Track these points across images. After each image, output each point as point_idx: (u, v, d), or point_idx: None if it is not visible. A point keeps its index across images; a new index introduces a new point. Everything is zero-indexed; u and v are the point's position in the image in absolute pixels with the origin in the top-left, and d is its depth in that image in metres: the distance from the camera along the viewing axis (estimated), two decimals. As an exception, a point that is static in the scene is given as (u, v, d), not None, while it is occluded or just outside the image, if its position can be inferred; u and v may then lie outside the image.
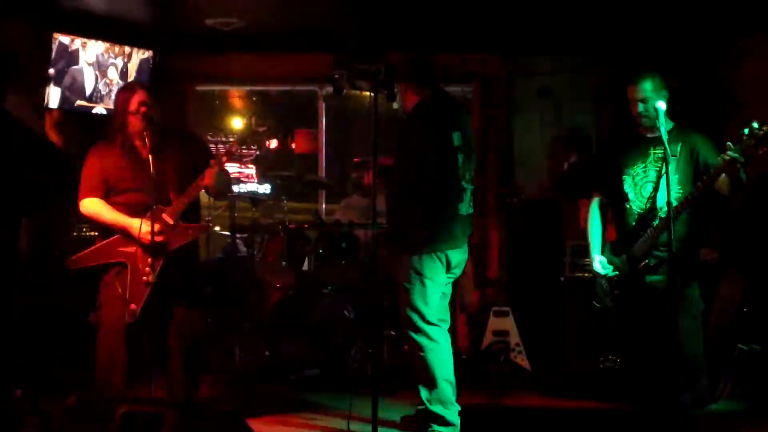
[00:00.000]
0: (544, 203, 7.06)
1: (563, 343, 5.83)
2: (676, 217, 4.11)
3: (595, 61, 7.17)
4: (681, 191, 4.30)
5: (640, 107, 4.40)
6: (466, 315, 6.77)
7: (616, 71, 7.14)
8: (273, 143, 7.23)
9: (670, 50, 6.89)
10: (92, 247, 4.41)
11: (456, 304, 6.57)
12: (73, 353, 5.46)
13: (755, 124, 3.93)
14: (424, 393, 4.54)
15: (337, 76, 6.51)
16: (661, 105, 4.15)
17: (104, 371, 4.36)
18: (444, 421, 4.51)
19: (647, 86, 4.39)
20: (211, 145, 4.56)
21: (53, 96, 6.11)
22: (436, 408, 4.51)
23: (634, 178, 4.44)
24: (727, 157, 3.98)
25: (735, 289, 5.26)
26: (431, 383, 4.52)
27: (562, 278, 5.88)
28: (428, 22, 6.52)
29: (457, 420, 4.53)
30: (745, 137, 3.95)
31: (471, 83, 7.29)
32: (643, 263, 4.33)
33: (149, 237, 4.20)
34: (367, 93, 4.77)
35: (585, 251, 5.86)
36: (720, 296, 5.34)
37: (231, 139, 4.52)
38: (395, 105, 5.73)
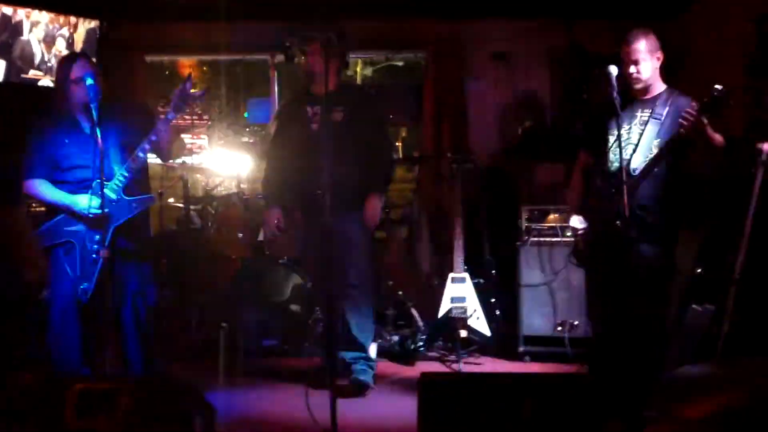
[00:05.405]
0: (498, 169, 7.08)
1: (520, 307, 5.85)
2: (643, 178, 4.16)
3: (548, 24, 7.17)
4: None
5: (632, 68, 4.27)
6: (422, 282, 6.79)
7: (570, 35, 7.18)
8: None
9: (624, 14, 6.90)
10: (39, 229, 4.35)
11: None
12: (27, 331, 5.40)
13: (718, 87, 3.91)
14: None
15: (288, 44, 6.46)
16: (614, 69, 4.15)
17: (58, 349, 4.32)
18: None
19: (641, 47, 4.26)
20: (162, 116, 4.48)
21: (-2, 68, 5.99)
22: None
23: (616, 139, 4.26)
24: (690, 121, 3.98)
25: (689, 250, 5.30)
26: None
27: (518, 243, 5.90)
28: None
29: None
30: (707, 100, 3.93)
31: (424, 49, 7.24)
32: (614, 224, 4.25)
33: (93, 214, 4.16)
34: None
35: (539, 216, 5.93)
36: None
37: (164, 108, 4.41)
38: (349, 71, 5.67)
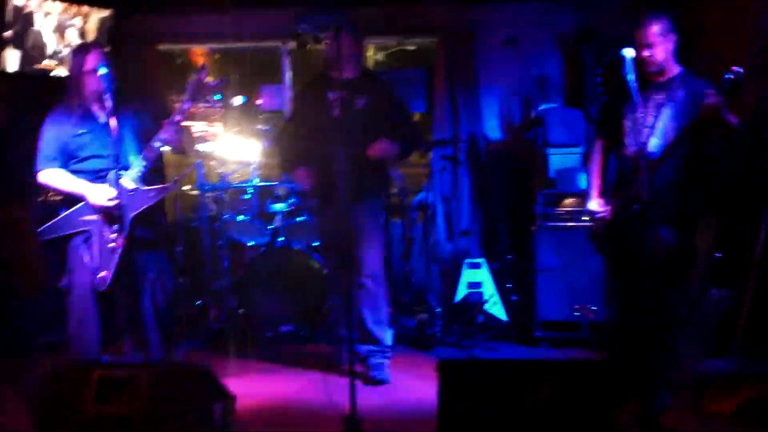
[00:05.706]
0: (512, 153, 7.05)
1: (536, 292, 5.84)
2: (661, 161, 4.12)
3: (560, 7, 7.11)
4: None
5: (646, 52, 4.21)
6: (439, 268, 6.79)
7: (581, 18, 7.12)
8: (238, 99, 7.13)
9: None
10: (57, 218, 4.36)
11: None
12: (47, 319, 5.43)
13: (736, 68, 3.87)
14: None
15: (300, 31, 6.45)
16: (629, 52, 4.12)
17: (77, 337, 4.34)
18: None
19: (654, 29, 4.19)
20: (176, 105, 4.50)
21: (11, 59, 5.98)
22: None
23: (633, 123, 4.28)
24: (708, 103, 3.95)
25: (707, 235, 5.27)
26: None
27: (534, 227, 5.88)
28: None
29: None
30: (725, 81, 3.89)
31: (434, 35, 7.20)
32: (632, 208, 4.22)
33: (110, 203, 4.18)
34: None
35: (556, 200, 5.91)
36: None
37: (178, 98, 4.41)
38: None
